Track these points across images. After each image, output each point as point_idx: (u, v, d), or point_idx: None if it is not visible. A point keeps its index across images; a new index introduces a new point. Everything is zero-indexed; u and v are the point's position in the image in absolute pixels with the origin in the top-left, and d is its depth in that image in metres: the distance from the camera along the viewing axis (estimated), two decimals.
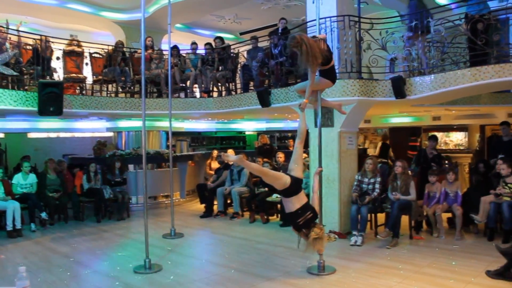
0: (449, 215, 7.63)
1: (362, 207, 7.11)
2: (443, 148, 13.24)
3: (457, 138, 13.66)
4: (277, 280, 5.33)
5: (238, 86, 10.23)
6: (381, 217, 7.61)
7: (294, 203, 4.83)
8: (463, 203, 7.27)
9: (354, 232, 7.07)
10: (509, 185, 6.90)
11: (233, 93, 10.12)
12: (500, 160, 7.17)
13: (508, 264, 4.93)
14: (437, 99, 7.93)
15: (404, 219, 7.14)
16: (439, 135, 12.14)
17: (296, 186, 4.89)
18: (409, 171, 7.56)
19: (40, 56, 8.71)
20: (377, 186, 7.30)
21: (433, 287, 4.93)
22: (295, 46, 4.95)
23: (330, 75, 5.36)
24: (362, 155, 10.59)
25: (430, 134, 11.97)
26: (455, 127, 13.42)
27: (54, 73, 9.30)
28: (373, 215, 7.57)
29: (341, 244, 6.96)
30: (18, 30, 8.66)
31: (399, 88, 7.08)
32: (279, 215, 9.03)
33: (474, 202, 7.20)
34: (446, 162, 9.04)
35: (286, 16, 10.11)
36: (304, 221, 4.86)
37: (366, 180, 7.40)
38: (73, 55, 9.65)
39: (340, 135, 7.56)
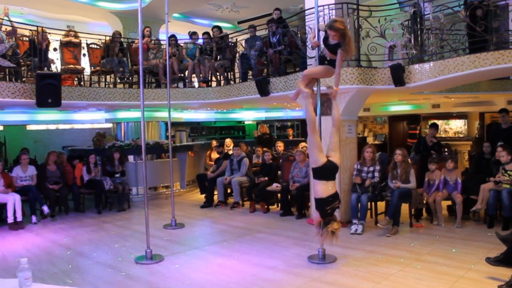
0: (449, 202, 7.66)
1: (362, 195, 7.12)
2: (443, 135, 13.26)
3: (456, 126, 13.67)
4: (278, 269, 5.35)
5: (237, 75, 10.20)
6: (381, 205, 7.63)
7: (326, 189, 4.79)
8: (463, 190, 7.29)
9: (354, 221, 7.09)
10: (508, 172, 6.91)
11: (232, 82, 10.09)
12: (500, 147, 7.16)
13: (508, 251, 4.94)
14: (436, 86, 7.91)
15: (404, 207, 7.16)
16: (438, 122, 12.14)
17: (330, 170, 4.85)
18: (409, 159, 7.56)
19: (37, 47, 8.65)
20: (376, 174, 7.31)
21: (433, 275, 4.96)
22: (338, 30, 4.88)
23: (334, 64, 5.32)
24: (362, 143, 10.59)
25: (431, 122, 11.98)
26: (454, 114, 13.42)
27: (51, 65, 9.26)
28: (373, 203, 7.58)
29: (341, 233, 6.85)
30: (10, 20, 8.56)
31: (398, 76, 7.06)
32: (279, 205, 9.05)
33: (473, 187, 7.24)
34: (446, 149, 9.04)
35: (284, 4, 10.06)
36: (331, 210, 4.86)
37: (365, 168, 7.40)
38: (70, 46, 9.60)
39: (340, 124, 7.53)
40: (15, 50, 8.35)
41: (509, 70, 7.02)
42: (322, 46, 5.39)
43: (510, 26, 6.46)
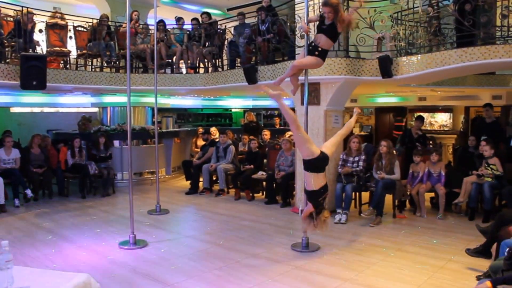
0: (432, 194, 7.76)
1: (346, 185, 7.19)
2: (428, 128, 13.37)
3: (442, 119, 13.80)
4: (261, 256, 5.39)
5: (225, 62, 10.14)
6: (365, 195, 7.71)
7: (318, 181, 4.85)
8: (446, 183, 7.38)
9: (339, 210, 7.15)
10: (491, 166, 7.02)
11: (220, 69, 10.03)
12: (483, 141, 7.26)
13: (487, 242, 5.05)
14: (423, 79, 7.96)
15: (388, 198, 7.22)
16: (424, 115, 12.25)
17: (323, 162, 4.89)
18: (394, 151, 7.63)
19: (22, 28, 8.48)
20: (360, 163, 7.36)
21: (414, 265, 5.03)
22: (332, 5, 4.91)
23: (324, 55, 5.30)
24: (348, 134, 10.63)
25: (417, 114, 12.08)
26: (440, 108, 13.54)
27: (37, 46, 9.09)
28: (357, 193, 7.66)
29: None
30: None
31: (386, 68, 7.08)
32: (264, 193, 9.08)
33: (456, 180, 7.35)
34: (431, 142, 9.14)
35: None
36: (322, 200, 4.94)
37: (350, 158, 7.45)
38: (56, 28, 9.42)
39: (326, 114, 7.57)
40: None
41: (495, 66, 7.08)
42: (312, 35, 5.39)
43: (498, 22, 6.51)
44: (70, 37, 9.76)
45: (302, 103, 6.08)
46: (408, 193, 7.62)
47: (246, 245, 5.86)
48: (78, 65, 10.01)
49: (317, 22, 5.32)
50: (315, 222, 4.95)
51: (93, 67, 10.20)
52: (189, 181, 9.99)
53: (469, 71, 8.25)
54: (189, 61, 10.24)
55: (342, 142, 7.85)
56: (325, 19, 5.08)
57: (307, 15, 5.63)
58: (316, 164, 4.82)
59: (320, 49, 5.18)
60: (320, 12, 5.28)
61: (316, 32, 5.32)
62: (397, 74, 7.18)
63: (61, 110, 13.44)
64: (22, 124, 12.70)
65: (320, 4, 5.15)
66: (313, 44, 5.29)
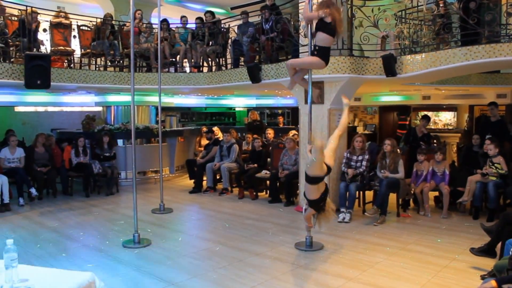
0: (436, 193, 7.74)
1: (350, 184, 7.17)
2: (432, 127, 13.33)
3: (446, 118, 13.75)
4: (265, 255, 5.38)
5: (229, 61, 10.15)
6: (369, 194, 7.69)
7: (318, 191, 4.87)
8: (450, 182, 7.36)
9: (342, 209, 7.13)
10: (495, 164, 6.99)
11: (224, 68, 10.04)
12: (488, 140, 7.23)
13: (491, 241, 5.04)
14: (427, 78, 7.94)
15: (392, 197, 7.21)
16: (428, 114, 12.22)
17: (326, 175, 4.93)
18: (398, 150, 7.61)
19: (27, 27, 8.51)
20: (364, 163, 7.34)
21: (418, 264, 5.02)
22: None
23: (324, 53, 5.26)
24: (352, 133, 10.62)
25: (421, 113, 12.04)
26: (444, 106, 13.49)
27: (41, 46, 9.12)
28: (361, 192, 7.64)
29: None
30: None
31: (390, 66, 7.07)
32: (268, 192, 9.07)
33: (460, 179, 7.33)
34: (435, 141, 9.11)
35: None
36: (323, 203, 4.97)
37: (354, 157, 7.43)
38: (60, 28, 9.45)
39: (330, 112, 7.56)
40: (3, 29, 8.20)
41: (500, 64, 7.06)
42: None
43: (503, 20, 6.48)
44: (74, 36, 9.79)
45: (306, 102, 6.07)
46: (412, 192, 7.59)
47: (249, 244, 5.86)
48: (82, 64, 10.04)
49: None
50: (314, 223, 5.03)
51: (97, 66, 10.24)
52: (192, 180, 9.99)
53: (474, 70, 8.22)
54: (192, 60, 10.24)
55: (346, 141, 7.88)
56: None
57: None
58: (321, 178, 4.83)
59: (317, 47, 5.15)
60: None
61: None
62: (401, 73, 7.17)
63: (65, 109, 13.48)
64: (26, 123, 12.75)
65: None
66: (313, 44, 5.30)
